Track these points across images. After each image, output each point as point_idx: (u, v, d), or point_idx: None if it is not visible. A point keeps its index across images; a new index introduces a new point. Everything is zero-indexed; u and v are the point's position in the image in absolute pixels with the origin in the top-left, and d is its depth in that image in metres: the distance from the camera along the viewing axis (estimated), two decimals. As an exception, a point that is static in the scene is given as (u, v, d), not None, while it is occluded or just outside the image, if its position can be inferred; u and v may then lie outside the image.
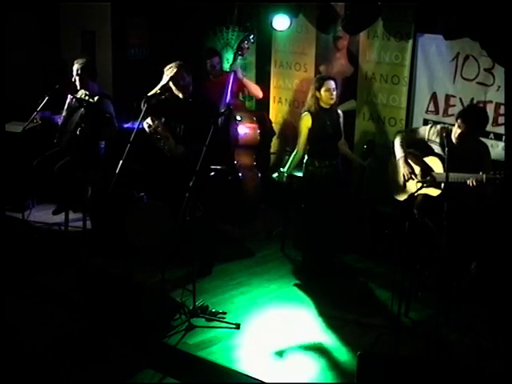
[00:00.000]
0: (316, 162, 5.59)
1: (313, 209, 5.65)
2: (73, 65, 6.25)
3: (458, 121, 4.86)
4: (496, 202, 4.82)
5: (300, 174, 5.81)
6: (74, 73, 6.20)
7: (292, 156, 5.73)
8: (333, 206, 5.59)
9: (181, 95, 5.72)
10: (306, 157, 5.67)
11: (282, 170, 5.74)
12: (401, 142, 5.24)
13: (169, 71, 5.64)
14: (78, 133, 6.09)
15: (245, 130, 6.51)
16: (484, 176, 4.66)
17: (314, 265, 5.83)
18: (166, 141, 5.64)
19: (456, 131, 4.89)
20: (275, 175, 5.75)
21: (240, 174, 6.46)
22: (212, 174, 5.84)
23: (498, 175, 4.62)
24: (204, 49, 7.28)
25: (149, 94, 5.59)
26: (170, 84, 5.68)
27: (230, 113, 6.36)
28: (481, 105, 5.50)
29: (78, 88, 6.28)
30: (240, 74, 6.57)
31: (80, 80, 6.20)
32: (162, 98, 5.69)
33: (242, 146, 6.53)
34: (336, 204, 5.61)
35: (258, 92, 6.72)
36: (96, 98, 6.21)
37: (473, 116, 4.87)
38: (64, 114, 6.37)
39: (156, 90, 5.63)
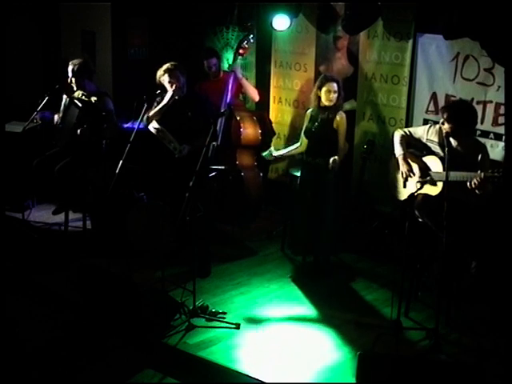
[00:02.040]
0: (305, 158, 5.75)
1: (299, 205, 5.71)
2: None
3: (443, 115, 4.90)
4: (495, 200, 4.83)
5: (299, 174, 5.86)
6: (70, 74, 6.21)
7: (294, 146, 5.90)
8: (322, 205, 5.60)
9: (176, 96, 5.75)
10: None
11: (271, 149, 5.95)
12: (400, 140, 5.25)
13: (163, 76, 5.68)
14: (78, 133, 6.09)
15: (246, 129, 6.52)
16: (482, 174, 4.66)
17: (313, 265, 5.84)
18: (170, 143, 5.67)
19: (444, 128, 4.92)
20: (265, 153, 5.95)
21: (242, 174, 6.47)
22: (213, 173, 5.87)
23: (497, 173, 4.62)
24: (203, 49, 7.28)
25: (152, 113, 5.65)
26: (166, 85, 5.71)
27: (231, 113, 6.39)
28: (481, 105, 5.51)
29: (75, 89, 6.29)
30: (239, 74, 6.57)
31: (76, 81, 6.21)
32: (158, 100, 5.74)
33: (243, 146, 6.54)
34: (326, 204, 5.61)
35: (254, 95, 6.73)
36: (94, 98, 6.21)
37: (452, 108, 4.89)
38: (60, 114, 6.38)
39: (165, 102, 5.71)
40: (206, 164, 5.08)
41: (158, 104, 5.81)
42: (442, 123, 4.93)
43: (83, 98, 6.27)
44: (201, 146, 5.05)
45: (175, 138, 5.71)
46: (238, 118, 6.49)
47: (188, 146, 5.68)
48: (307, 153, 5.73)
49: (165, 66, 5.75)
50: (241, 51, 6.51)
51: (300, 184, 5.78)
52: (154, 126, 5.72)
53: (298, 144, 5.88)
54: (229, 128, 6.48)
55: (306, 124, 5.74)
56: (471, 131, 5.02)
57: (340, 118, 5.59)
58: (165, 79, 5.71)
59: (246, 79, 6.83)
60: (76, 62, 6.25)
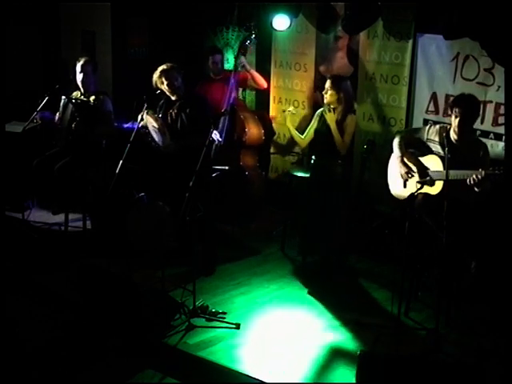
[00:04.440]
0: (312, 159, 5.83)
1: (307, 205, 5.77)
2: (73, 64, 6.26)
3: (455, 110, 4.89)
4: (495, 199, 4.83)
5: (300, 174, 5.86)
6: (79, 70, 6.19)
7: (299, 134, 6.01)
8: (329, 204, 5.61)
9: (174, 97, 5.75)
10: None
11: (291, 108, 6.17)
12: (399, 142, 5.26)
13: (160, 78, 5.68)
14: (72, 127, 6.09)
15: (251, 130, 6.53)
16: (483, 172, 4.67)
17: (314, 265, 5.85)
18: (163, 136, 5.66)
19: (454, 122, 4.91)
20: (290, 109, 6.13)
21: (246, 173, 6.49)
22: (216, 173, 5.88)
23: (497, 171, 4.63)
24: (205, 47, 7.29)
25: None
26: (164, 87, 5.72)
27: (235, 113, 6.41)
28: (480, 105, 5.50)
29: (81, 85, 6.26)
30: (248, 66, 6.63)
31: (84, 77, 6.18)
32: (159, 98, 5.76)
33: (247, 146, 6.55)
34: (332, 203, 5.62)
35: (262, 83, 6.81)
36: (93, 97, 6.20)
37: (465, 100, 4.93)
38: (59, 115, 6.38)
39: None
40: (206, 164, 5.08)
41: (161, 109, 5.83)
42: (456, 116, 4.89)
43: (81, 97, 6.26)
44: (188, 145, 5.05)
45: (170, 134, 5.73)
46: (243, 119, 6.51)
47: (174, 144, 5.68)
48: (314, 153, 5.83)
49: (160, 68, 5.75)
50: (242, 51, 6.53)
51: (309, 185, 5.81)
52: (142, 114, 5.64)
53: (302, 136, 6.00)
54: (233, 128, 6.49)
55: (314, 123, 5.88)
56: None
57: (350, 119, 5.71)
58: (162, 82, 5.70)
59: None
60: (83, 58, 6.24)
